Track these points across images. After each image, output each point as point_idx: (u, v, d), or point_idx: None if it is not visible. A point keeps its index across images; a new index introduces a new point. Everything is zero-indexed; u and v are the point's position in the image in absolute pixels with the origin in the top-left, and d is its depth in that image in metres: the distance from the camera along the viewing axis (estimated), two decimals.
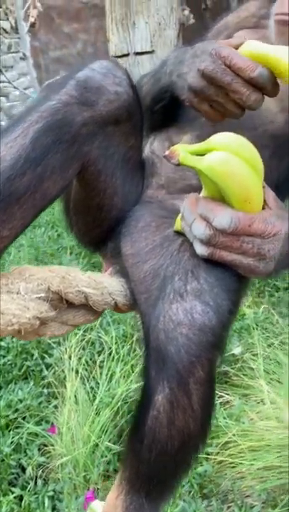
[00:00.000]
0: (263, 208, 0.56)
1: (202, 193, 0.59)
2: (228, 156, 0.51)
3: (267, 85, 0.55)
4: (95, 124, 0.62)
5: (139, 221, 0.71)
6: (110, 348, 1.96)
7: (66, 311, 0.62)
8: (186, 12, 1.51)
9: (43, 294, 0.57)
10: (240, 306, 0.59)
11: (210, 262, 0.57)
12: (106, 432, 1.66)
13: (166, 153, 0.55)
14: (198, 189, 0.79)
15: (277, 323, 2.17)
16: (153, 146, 0.80)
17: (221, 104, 0.58)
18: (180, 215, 0.65)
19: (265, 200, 0.56)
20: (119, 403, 1.74)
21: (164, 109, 0.77)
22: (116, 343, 1.99)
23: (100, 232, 0.77)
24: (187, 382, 0.53)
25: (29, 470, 1.61)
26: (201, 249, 0.56)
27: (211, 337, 0.53)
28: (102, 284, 0.63)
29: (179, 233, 0.66)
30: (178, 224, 0.65)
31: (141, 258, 0.66)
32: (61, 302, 0.61)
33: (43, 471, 1.63)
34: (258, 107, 0.57)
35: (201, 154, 0.54)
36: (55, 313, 0.59)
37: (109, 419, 1.70)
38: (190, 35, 1.57)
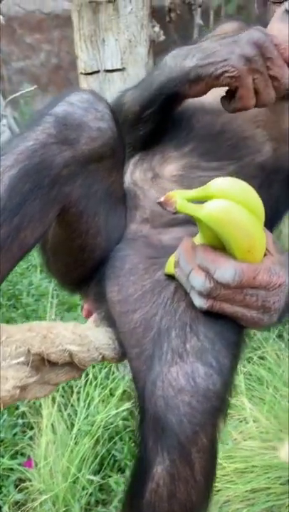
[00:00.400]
0: (265, 255, 0.52)
1: (197, 239, 0.55)
2: (230, 205, 0.47)
3: None
4: (77, 164, 0.56)
5: (125, 262, 0.65)
6: (87, 372, 1.89)
7: (48, 370, 0.56)
8: (156, 29, 1.47)
9: (22, 359, 0.51)
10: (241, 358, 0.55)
11: (208, 313, 0.52)
12: (86, 462, 1.59)
13: (162, 199, 0.50)
14: (185, 223, 0.75)
15: (254, 335, 2.16)
16: (135, 176, 0.75)
17: (264, 81, 0.58)
18: (171, 257, 0.60)
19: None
20: (99, 430, 1.67)
21: (152, 119, 0.72)
22: (93, 366, 1.92)
23: (81, 273, 0.71)
24: (189, 452, 0.48)
25: (5, 509, 1.52)
26: (199, 302, 0.52)
27: (215, 402, 0.48)
28: (88, 338, 0.58)
29: (171, 276, 0.61)
30: (169, 267, 0.60)
31: (130, 306, 0.60)
32: (43, 363, 0.54)
33: (20, 509, 1.54)
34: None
35: (199, 200, 0.50)
36: (36, 378, 0.53)
37: (89, 448, 1.63)
38: (158, 47, 1.53)
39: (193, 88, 0.63)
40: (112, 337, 0.62)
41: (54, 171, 0.53)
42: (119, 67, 1.43)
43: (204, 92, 0.64)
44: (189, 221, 0.75)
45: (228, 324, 0.53)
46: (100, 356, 0.60)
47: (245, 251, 0.48)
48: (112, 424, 1.70)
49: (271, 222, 0.77)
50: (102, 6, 1.34)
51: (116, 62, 1.42)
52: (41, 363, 0.55)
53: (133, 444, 1.64)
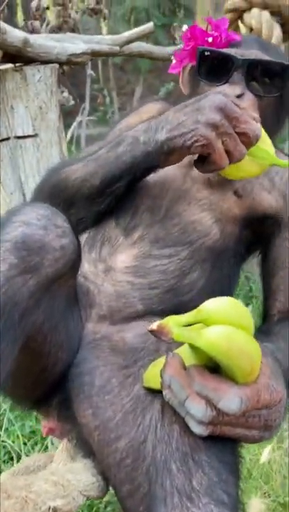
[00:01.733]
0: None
1: (186, 355, 0.50)
2: (229, 331, 0.44)
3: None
4: (41, 289, 0.50)
5: (94, 377, 0.59)
6: (18, 451, 1.69)
7: None
8: (66, 94, 1.46)
9: None
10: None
11: (207, 436, 0.48)
12: None
13: (154, 328, 0.45)
14: (144, 314, 0.70)
15: None
16: (84, 268, 0.69)
17: (233, 140, 0.57)
18: (150, 367, 0.55)
19: None
20: None
21: (116, 192, 0.68)
22: (24, 443, 1.73)
23: (41, 392, 0.63)
24: None
25: None
26: (199, 429, 0.47)
27: None
28: (70, 483, 0.50)
29: (151, 389, 0.56)
30: (149, 379, 0.55)
31: (111, 433, 0.54)
32: None
33: None
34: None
35: (192, 324, 0.46)
36: None
37: None
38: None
39: (168, 159, 0.63)
40: (94, 472, 0.54)
41: (21, 305, 0.46)
42: (31, 133, 1.38)
43: (179, 161, 0.64)
44: (150, 313, 0.71)
45: (227, 444, 0.49)
46: (85, 498, 0.52)
47: (247, 374, 0.45)
48: None
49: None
50: (8, 74, 1.28)
51: (27, 128, 1.37)
52: None
53: None
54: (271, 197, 0.74)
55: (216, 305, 0.46)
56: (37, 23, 3.02)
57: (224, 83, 0.68)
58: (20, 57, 1.30)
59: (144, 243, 0.69)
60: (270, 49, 0.74)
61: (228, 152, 0.58)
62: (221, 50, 0.71)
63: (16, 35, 1.23)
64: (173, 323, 0.45)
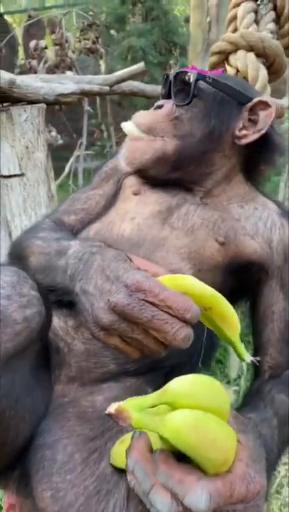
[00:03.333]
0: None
1: (152, 433, 0.45)
2: (198, 418, 0.38)
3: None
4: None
5: (56, 451, 0.53)
6: None
7: None
8: (54, 133, 1.45)
9: None
10: None
11: None
12: None
13: (111, 411, 0.40)
14: (117, 375, 0.65)
15: None
16: (54, 323, 0.64)
17: (137, 340, 0.46)
18: (117, 443, 0.49)
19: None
20: None
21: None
22: None
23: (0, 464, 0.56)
24: None
25: None
26: None
27: None
28: None
29: (117, 468, 0.50)
30: (115, 457, 0.49)
31: None
32: None
33: None
34: (187, 345, 0.45)
35: (154, 406, 0.41)
36: None
37: None
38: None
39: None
40: None
41: None
42: (17, 172, 1.36)
43: None
44: (123, 373, 0.65)
45: None
46: None
47: (219, 465, 0.39)
48: None
49: (207, 355, 0.71)
50: None
51: (13, 167, 1.34)
52: None
53: None
54: (255, 242, 0.70)
55: (182, 385, 0.41)
56: (34, 62, 3.10)
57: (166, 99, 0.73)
58: (6, 97, 1.30)
59: None
60: (225, 77, 0.75)
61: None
62: (168, 72, 0.77)
63: (2, 76, 1.22)
64: (133, 407, 0.40)
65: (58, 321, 0.64)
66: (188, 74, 0.69)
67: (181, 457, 0.41)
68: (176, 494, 0.39)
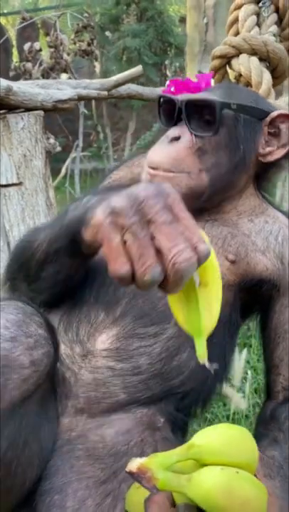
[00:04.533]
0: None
1: (176, 492, 0.41)
2: (229, 480, 0.35)
3: None
4: (4, 416, 0.42)
5: (65, 496, 0.49)
6: None
7: None
8: (52, 140, 1.42)
9: None
10: None
11: None
12: None
13: (134, 470, 0.37)
14: (127, 404, 0.61)
15: None
16: (60, 350, 0.61)
17: (137, 246, 0.38)
18: (132, 488, 0.47)
19: None
20: None
21: (60, 260, 0.58)
22: None
23: (5, 509, 0.53)
24: None
25: None
26: None
27: None
28: None
29: None
30: (130, 504, 0.46)
31: None
32: None
33: None
34: (183, 279, 0.38)
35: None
36: None
37: None
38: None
39: (87, 231, 0.48)
40: None
41: None
42: (15, 181, 1.33)
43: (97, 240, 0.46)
44: (134, 401, 0.62)
45: None
46: None
47: None
48: None
49: (219, 379, 0.68)
50: None
51: (11, 176, 1.32)
52: None
53: None
54: (266, 259, 0.67)
55: (209, 440, 0.38)
56: (29, 65, 3.06)
57: (173, 125, 0.66)
58: (3, 105, 1.27)
59: (126, 319, 0.62)
60: (235, 94, 0.70)
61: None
62: (168, 94, 0.70)
63: None
64: (158, 466, 0.37)
65: (64, 348, 0.61)
66: (209, 102, 0.64)
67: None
68: None
